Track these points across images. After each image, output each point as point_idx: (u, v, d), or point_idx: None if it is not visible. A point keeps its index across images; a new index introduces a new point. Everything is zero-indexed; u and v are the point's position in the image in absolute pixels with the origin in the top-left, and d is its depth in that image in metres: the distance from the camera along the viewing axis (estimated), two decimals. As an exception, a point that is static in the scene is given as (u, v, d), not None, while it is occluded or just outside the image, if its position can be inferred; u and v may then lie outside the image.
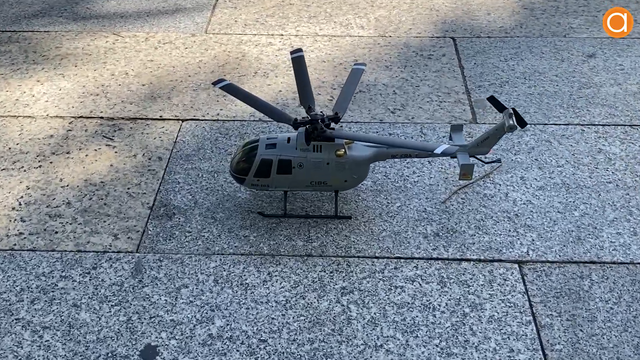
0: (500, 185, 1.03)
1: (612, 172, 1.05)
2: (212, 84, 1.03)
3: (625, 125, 1.16)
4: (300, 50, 1.06)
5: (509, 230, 0.95)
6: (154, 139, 1.15)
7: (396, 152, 0.95)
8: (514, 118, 0.91)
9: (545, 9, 1.55)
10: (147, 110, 1.21)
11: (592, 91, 1.25)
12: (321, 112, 0.94)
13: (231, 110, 1.21)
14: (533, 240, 0.93)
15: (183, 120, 1.19)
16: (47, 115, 1.20)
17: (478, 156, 0.95)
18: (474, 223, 0.96)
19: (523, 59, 1.36)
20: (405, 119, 1.19)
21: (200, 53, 1.39)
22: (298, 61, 1.04)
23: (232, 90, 1.01)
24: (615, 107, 1.21)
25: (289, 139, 0.95)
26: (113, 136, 1.15)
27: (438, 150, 0.86)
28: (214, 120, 1.19)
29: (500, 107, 0.94)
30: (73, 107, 1.23)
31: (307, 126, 0.93)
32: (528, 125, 1.16)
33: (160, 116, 1.20)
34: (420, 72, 1.32)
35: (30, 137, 1.15)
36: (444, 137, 1.14)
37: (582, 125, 1.16)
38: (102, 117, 1.20)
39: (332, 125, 0.94)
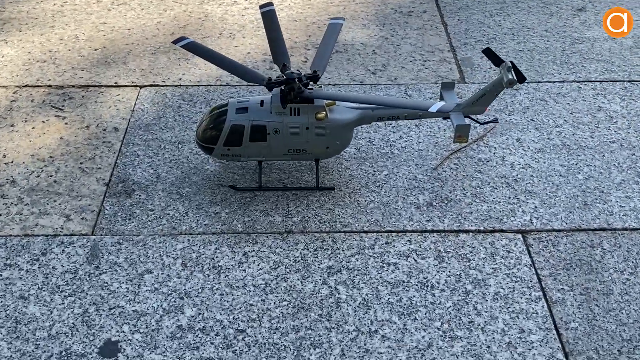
0: (495, 148, 0.94)
1: (615, 131, 0.97)
2: (173, 42, 0.91)
3: (624, 80, 1.08)
4: (270, 4, 0.95)
5: (509, 197, 0.86)
6: (109, 107, 1.03)
7: (383, 114, 0.85)
8: (512, 72, 0.82)
9: (529, -38, 1.46)
10: (100, 77, 1.09)
11: (586, 46, 1.17)
12: (298, 70, 0.84)
13: (195, 74, 1.10)
14: (536, 207, 0.85)
15: (141, 87, 1.07)
16: (-14, 85, 1.08)
17: (473, 116, 0.87)
18: (470, 190, 0.87)
19: (509, 14, 1.27)
20: (388, 79, 1.09)
21: (158, 14, 1.27)
22: (269, 16, 0.93)
23: (195, 49, 0.90)
24: (612, 62, 1.12)
25: (262, 102, 0.85)
26: (63, 106, 1.03)
27: (433, 109, 0.76)
28: (175, 86, 1.07)
29: (497, 61, 0.85)
30: (17, 75, 1.10)
31: (283, 87, 0.83)
32: (521, 84, 1.07)
33: (116, 83, 1.08)
34: (401, 30, 1.22)
35: (-34, 109, 1.03)
36: (431, 97, 1.04)
37: (578, 82, 1.08)
38: (50, 86, 1.08)
39: (311, 85, 0.84)
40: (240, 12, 1.28)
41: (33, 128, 0.99)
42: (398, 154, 0.93)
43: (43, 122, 1.00)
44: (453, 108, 0.80)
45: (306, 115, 0.83)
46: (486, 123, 0.91)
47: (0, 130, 0.99)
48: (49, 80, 1.09)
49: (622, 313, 0.72)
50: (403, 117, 0.87)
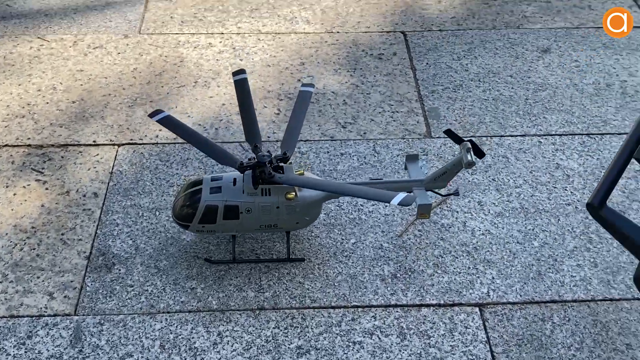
0: (458, 212, 0.99)
1: (571, 192, 1.02)
2: (149, 115, 0.95)
3: (582, 134, 1.13)
4: (242, 71, 0.99)
5: (469, 267, 0.91)
6: (88, 169, 1.06)
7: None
8: (472, 152, 0.87)
9: (498, -6, 1.49)
10: (79, 135, 1.13)
11: (548, 94, 1.21)
12: (268, 151, 0.88)
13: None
14: (493, 278, 0.90)
15: (119, 145, 1.11)
16: (-34, 145, 1.11)
17: (435, 191, 0.92)
18: (432, 260, 0.92)
19: (477, 56, 1.31)
20: (357, 134, 1.13)
21: (134, 59, 1.29)
22: (241, 86, 0.97)
23: (170, 124, 0.93)
24: (572, 113, 1.17)
25: (235, 180, 0.89)
26: (43, 168, 1.07)
27: (394, 202, 0.81)
28: (153, 144, 1.11)
29: (457, 140, 0.90)
30: (-4, 133, 1.13)
31: (256, 170, 0.87)
32: (483, 138, 1.12)
33: (94, 141, 1.12)
34: (371, 76, 1.26)
35: (-50, 173, 1.06)
36: (397, 155, 1.08)
37: (539, 135, 1.12)
38: (29, 145, 1.11)
39: (282, 163, 0.88)
40: (214, 57, 1.30)
41: (14, 195, 1.02)
42: (365, 219, 0.98)
43: (24, 187, 1.04)
44: (414, 198, 0.84)
45: (277, 196, 0.88)
46: (448, 195, 0.96)
47: (-20, 197, 1.03)
48: (29, 139, 1.12)
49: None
50: None
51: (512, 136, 1.13)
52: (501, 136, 1.13)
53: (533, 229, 0.97)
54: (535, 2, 1.46)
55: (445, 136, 0.93)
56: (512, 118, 1.16)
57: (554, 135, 1.13)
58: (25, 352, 0.82)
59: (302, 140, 1.12)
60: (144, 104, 1.19)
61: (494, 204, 1.01)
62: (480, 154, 0.90)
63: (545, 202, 1.01)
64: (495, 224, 0.98)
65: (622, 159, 0.70)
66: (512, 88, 1.23)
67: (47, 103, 1.19)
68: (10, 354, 0.82)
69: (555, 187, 1.03)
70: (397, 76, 1.26)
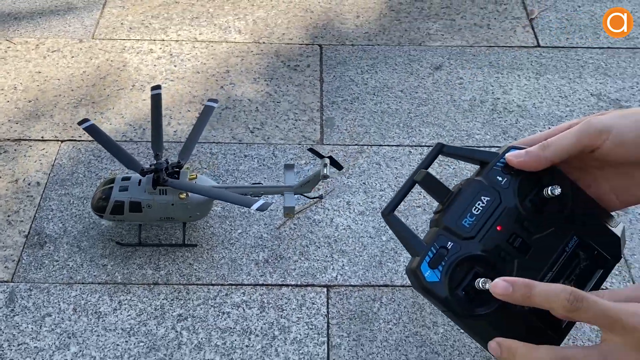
0: (329, 210, 1.21)
1: (423, 197, 1.24)
2: (78, 124, 1.17)
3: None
4: (159, 87, 1.20)
5: (326, 256, 1.14)
6: (35, 162, 1.29)
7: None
8: (328, 167, 1.08)
9: (410, 12, 1.68)
10: (30, 131, 1.35)
11: (429, 109, 1.42)
12: (166, 160, 1.10)
13: (106, 129, 1.35)
14: (343, 265, 1.13)
15: (62, 141, 1.33)
16: (-62, 136, 1.33)
17: (304, 194, 1.14)
18: (299, 249, 1.15)
19: (377, 71, 1.51)
20: (262, 139, 1.35)
21: (85, 63, 1.50)
22: (155, 100, 1.19)
23: (94, 132, 1.15)
24: (444, 127, 1.38)
25: (140, 181, 1.11)
26: (-3, 159, 1.29)
27: (253, 207, 1.03)
28: (89, 141, 1.32)
29: (319, 156, 1.12)
30: (-37, 126, 1.35)
31: (153, 174, 1.09)
32: (365, 147, 1.33)
33: (42, 137, 1.34)
34: (284, 86, 1.47)
35: None
36: (292, 158, 1.30)
37: (411, 146, 1.34)
38: (-12, 138, 1.33)
39: (179, 169, 1.10)
40: (153, 62, 1.51)
41: (-27, 181, 1.25)
42: (253, 213, 1.20)
43: (-19, 175, 1.26)
44: (270, 205, 1.06)
45: (171, 195, 1.10)
46: (313, 199, 1.18)
47: (-53, 182, 1.25)
48: (-12, 133, 1.34)
49: (377, 356, 1.01)
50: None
51: (388, 146, 1.34)
52: (380, 145, 1.34)
53: (385, 226, 1.19)
54: (441, 20, 1.66)
55: (316, 154, 1.14)
56: (393, 130, 1.37)
57: (423, 146, 1.34)
58: (-31, 309, 1.05)
59: (214, 143, 1.34)
60: (87, 105, 1.40)
61: (359, 204, 1.23)
62: (338, 166, 1.12)
63: (401, 204, 1.22)
64: (356, 220, 1.20)
65: (410, 180, 0.90)
66: (400, 102, 1.44)
67: (8, 101, 1.41)
68: (-43, 311, 1.05)
69: (412, 192, 1.24)
70: (306, 87, 1.47)
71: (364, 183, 1.26)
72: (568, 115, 1.40)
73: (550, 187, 0.72)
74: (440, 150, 0.88)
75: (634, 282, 1.10)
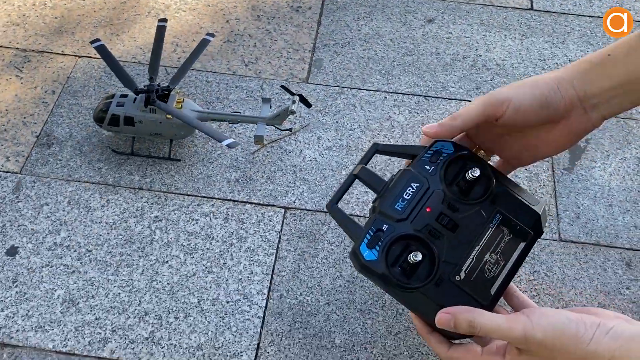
0: (300, 142, 1.35)
1: (387, 138, 1.36)
2: (90, 42, 1.32)
3: (420, 95, 1.45)
4: (165, 20, 1.34)
5: (290, 182, 1.28)
6: (53, 73, 1.45)
7: (213, 119, 1.27)
8: (296, 104, 1.21)
9: (417, -35, 1.75)
10: (53, 45, 1.51)
11: (412, 59, 1.52)
12: (158, 84, 1.24)
13: (118, 50, 1.50)
14: (303, 191, 1.27)
15: (79, 57, 1.49)
16: (-26, 42, 1.50)
17: (275, 126, 1.28)
18: (268, 174, 1.30)
19: (373, 19, 1.61)
20: (254, 73, 1.48)
21: (109, -13, 1.65)
22: (159, 31, 1.33)
23: (102, 51, 1.30)
24: (422, 77, 1.48)
25: (135, 99, 1.27)
26: (22, 68, 1.46)
27: (223, 144, 1.18)
28: (102, 59, 1.48)
29: (291, 93, 1.24)
30: (-4, 35, 1.52)
31: (145, 94, 1.24)
32: (345, 89, 1.45)
33: (62, 51, 1.49)
34: (283, 25, 1.58)
35: (-41, 62, 1.46)
36: (277, 93, 1.43)
37: (387, 92, 1.45)
38: (17, 48, 1.49)
39: (169, 92, 1.25)
40: (170, -8, 1.64)
41: (-1, 84, 1.43)
42: (235, 137, 1.35)
43: (6, 80, 1.43)
44: (236, 143, 1.20)
45: (160, 114, 1.25)
46: (283, 130, 1.31)
47: (-23, 83, 1.43)
48: (18, 43, 1.51)
49: (315, 270, 1.16)
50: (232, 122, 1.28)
51: (367, 90, 1.45)
52: (359, 89, 1.45)
53: (347, 162, 1.32)
54: (445, -25, 1.73)
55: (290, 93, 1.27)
56: (374, 76, 1.48)
57: (399, 93, 1.45)
58: (-17, 192, 1.24)
59: (211, 72, 1.47)
60: (105, 26, 1.55)
61: (328, 139, 1.36)
62: (307, 104, 1.25)
63: (365, 143, 1.35)
64: (322, 154, 1.33)
65: (350, 175, 0.98)
66: (387, 50, 1.54)
67: (37, 16, 1.57)
68: (-27, 193, 1.24)
69: (378, 134, 1.37)
70: (304, 28, 1.58)
71: (336, 122, 1.39)
72: (542, 78, 1.49)
73: (470, 171, 0.85)
74: (376, 149, 1.01)
75: (560, 235, 1.22)
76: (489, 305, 0.79)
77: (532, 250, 1.14)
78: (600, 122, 0.83)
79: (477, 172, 0.81)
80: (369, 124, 1.38)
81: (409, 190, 0.83)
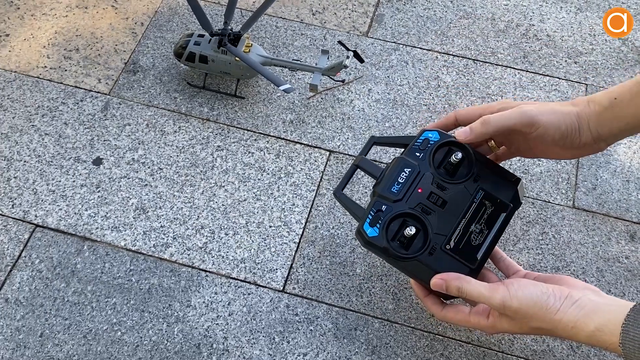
0: (352, 93, 1.48)
1: (432, 97, 1.47)
2: (176, -14, 1.47)
3: (469, 59, 1.54)
4: (241, -31, 1.47)
5: (337, 128, 1.43)
6: (143, 6, 1.62)
7: (276, 65, 1.41)
8: (350, 59, 1.34)
9: None
10: (145, -21, 1.66)
11: (469, 22, 1.60)
12: (231, 28, 1.39)
13: (202, -10, 1.65)
14: (347, 138, 1.41)
15: (167, -6, 1.64)
16: (78, -29, 1.68)
17: (330, 76, 1.41)
18: (319, 118, 1.44)
19: (437, -21, 1.69)
20: (319, 22, 1.60)
21: None
22: (236, -20, 1.46)
23: (188, -3, 1.45)
24: (475, 41, 1.57)
25: (210, 40, 1.42)
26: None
27: (280, 88, 1.32)
28: (187, -2, 1.63)
29: (347, 48, 1.37)
30: (97, -34, 1.69)
31: (219, 37, 1.39)
32: (401, 45, 1.56)
33: (153, -13, 1.65)
34: (353, -22, 1.68)
35: (64, -11, 1.64)
36: (337, 45, 1.55)
37: (439, 52, 1.55)
38: (114, -20, 1.66)
39: (239, 37, 1.40)
40: (253, -63, 1.76)
41: (97, 12, 1.60)
42: (294, 82, 1.49)
43: (104, 9, 1.61)
44: (291, 87, 1.34)
45: (230, 56, 1.40)
46: (337, 81, 1.44)
47: (78, 9, 1.61)
48: (115, -25, 1.67)
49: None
50: (295, 69, 1.42)
51: (421, 49, 1.56)
52: (414, 47, 1.56)
53: (391, 115, 1.45)
54: (515, -60, 1.77)
55: (347, 48, 1.39)
56: (430, 35, 1.58)
57: (449, 54, 1.55)
58: (77, 108, 1.44)
59: (280, 18, 1.60)
60: (193, -34, 1.69)
61: (378, 92, 1.48)
62: (361, 60, 1.38)
63: (411, 99, 1.47)
64: (370, 105, 1.46)
65: (353, 166, 1.06)
66: (446, 11, 1.62)
67: (133, -50, 1.72)
68: (69, 107, 1.44)
69: (424, 92, 1.49)
70: (371, -17, 1.68)
71: (388, 76, 1.51)
72: (588, 52, 1.55)
73: (453, 154, 0.98)
74: (374, 141, 1.15)
75: (574, 203, 1.33)
76: (476, 268, 0.93)
77: (544, 213, 1.26)
78: (604, 148, 0.94)
79: (460, 156, 0.94)
80: (417, 82, 1.50)
81: (403, 174, 0.97)
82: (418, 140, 1.01)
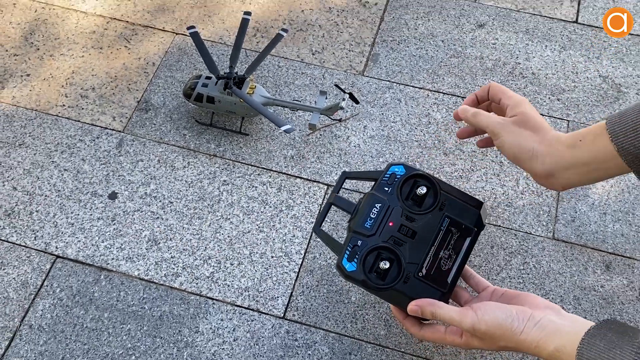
0: (348, 129, 1.58)
1: (423, 134, 1.57)
2: (187, 28, 1.57)
3: (459, 96, 1.64)
4: (249, 13, 1.57)
5: (335, 163, 1.52)
6: (154, 46, 1.72)
7: (279, 106, 1.51)
8: (346, 101, 1.44)
9: (479, -32, 1.89)
10: (156, 21, 1.77)
11: (458, 61, 1.70)
12: (236, 72, 1.49)
13: (209, 31, 1.75)
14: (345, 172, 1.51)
15: (176, 34, 1.74)
16: (95, 13, 1.78)
17: (328, 116, 1.51)
18: (317, 154, 1.54)
19: (430, 19, 1.78)
20: (319, 62, 1.70)
21: (207, -30, 1.88)
22: (242, 23, 1.56)
23: (195, 39, 1.56)
24: (464, 79, 1.67)
25: (217, 82, 1.52)
26: (130, 39, 1.73)
27: (282, 128, 1.42)
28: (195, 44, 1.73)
29: (342, 91, 1.47)
30: (112, 9, 1.79)
31: (225, 80, 1.50)
32: (394, 84, 1.65)
33: (163, 27, 1.76)
34: (350, 19, 1.78)
35: (81, 30, 1.75)
36: (337, 79, 1.65)
37: (430, 90, 1.64)
38: (127, 22, 1.77)
39: (244, 79, 1.50)
40: (257, -21, 1.86)
41: (111, 52, 1.71)
42: (295, 120, 1.59)
43: (117, 49, 1.71)
44: (292, 127, 1.44)
45: (235, 97, 1.50)
46: (332, 120, 1.54)
47: (94, 50, 1.71)
48: (129, 17, 1.78)
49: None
50: (293, 110, 1.52)
51: (413, 87, 1.65)
52: (406, 85, 1.66)
53: (385, 150, 1.54)
54: (503, -19, 1.86)
55: (342, 91, 1.49)
56: (422, 74, 1.68)
57: (440, 92, 1.64)
58: (94, 144, 1.54)
59: (282, 57, 1.70)
60: (201, 7, 1.80)
61: (372, 129, 1.58)
62: (356, 101, 1.48)
63: (403, 136, 1.57)
64: (366, 142, 1.56)
65: (327, 203, 1.18)
66: (437, 51, 1.72)
67: (145, -7, 1.83)
68: (86, 144, 1.54)
69: (416, 128, 1.58)
70: (368, 23, 1.78)
71: (382, 114, 1.60)
72: (570, 89, 1.65)
73: (418, 188, 1.07)
74: (346, 176, 1.25)
75: (554, 234, 1.42)
76: (448, 291, 1.03)
77: (525, 244, 1.35)
78: (559, 189, 1.00)
79: (424, 189, 1.04)
80: (409, 119, 1.59)
81: (374, 210, 1.06)
82: (386, 175, 1.10)
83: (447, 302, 1.03)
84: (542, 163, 0.97)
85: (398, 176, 1.07)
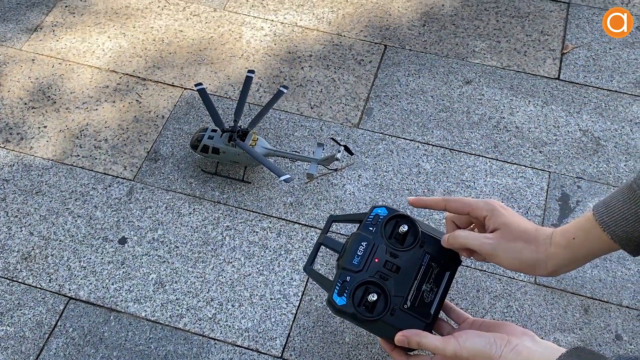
0: (344, 178, 1.67)
1: (414, 183, 1.65)
2: (195, 85, 1.67)
3: (446, 148, 1.73)
4: (252, 71, 1.67)
5: (331, 210, 1.60)
6: (164, 100, 1.82)
7: (279, 156, 1.60)
8: (341, 153, 1.53)
9: (467, 28, 2.01)
10: (166, 77, 1.87)
11: (446, 115, 1.80)
12: (240, 126, 1.59)
13: (215, 86, 1.85)
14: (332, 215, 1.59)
15: (184, 89, 1.85)
16: (108, 69, 1.89)
17: (324, 166, 1.60)
18: (315, 201, 1.62)
19: (420, 76, 1.89)
20: (317, 115, 1.80)
21: (213, 30, 1.99)
22: (247, 81, 1.66)
23: (202, 95, 1.65)
24: (451, 132, 1.76)
25: (222, 134, 1.62)
26: (142, 94, 1.84)
27: (281, 179, 1.51)
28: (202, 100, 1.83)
29: (338, 143, 1.56)
30: (124, 64, 1.90)
31: (229, 133, 1.59)
32: (387, 136, 1.75)
33: (172, 83, 1.86)
34: (347, 75, 1.89)
35: (95, 85, 1.85)
36: (331, 134, 1.75)
37: (420, 142, 1.74)
38: (139, 77, 1.87)
39: (247, 132, 1.59)
40: (260, 38, 1.97)
41: (123, 106, 1.81)
42: (294, 168, 1.68)
43: (129, 103, 1.81)
44: (291, 176, 1.53)
45: (239, 149, 1.60)
46: (329, 169, 1.63)
47: (107, 103, 1.81)
48: (140, 73, 1.88)
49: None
50: (293, 160, 1.61)
51: (404, 139, 1.75)
52: (398, 137, 1.75)
53: (377, 198, 1.63)
54: (489, 40, 1.98)
55: (337, 144, 1.58)
56: (412, 127, 1.77)
57: (429, 144, 1.73)
58: (106, 192, 1.63)
59: (283, 111, 1.80)
60: (207, 64, 1.90)
61: (366, 178, 1.66)
62: (350, 153, 1.57)
63: (395, 184, 1.65)
64: (360, 190, 1.64)
65: (317, 243, 1.21)
66: (426, 105, 1.82)
67: (156, 50, 1.94)
68: (99, 192, 1.63)
69: (407, 177, 1.67)
70: (362, 79, 1.88)
71: (375, 164, 1.69)
72: (552, 142, 1.74)
73: (401, 226, 1.15)
74: (333, 220, 1.33)
75: (536, 280, 1.49)
76: (431, 322, 1.09)
77: (509, 289, 1.42)
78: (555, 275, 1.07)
79: (406, 228, 1.12)
80: (400, 169, 1.68)
81: (361, 248, 1.14)
82: (370, 217, 1.18)
83: (430, 332, 1.10)
84: (545, 268, 1.03)
85: (381, 217, 1.15)
